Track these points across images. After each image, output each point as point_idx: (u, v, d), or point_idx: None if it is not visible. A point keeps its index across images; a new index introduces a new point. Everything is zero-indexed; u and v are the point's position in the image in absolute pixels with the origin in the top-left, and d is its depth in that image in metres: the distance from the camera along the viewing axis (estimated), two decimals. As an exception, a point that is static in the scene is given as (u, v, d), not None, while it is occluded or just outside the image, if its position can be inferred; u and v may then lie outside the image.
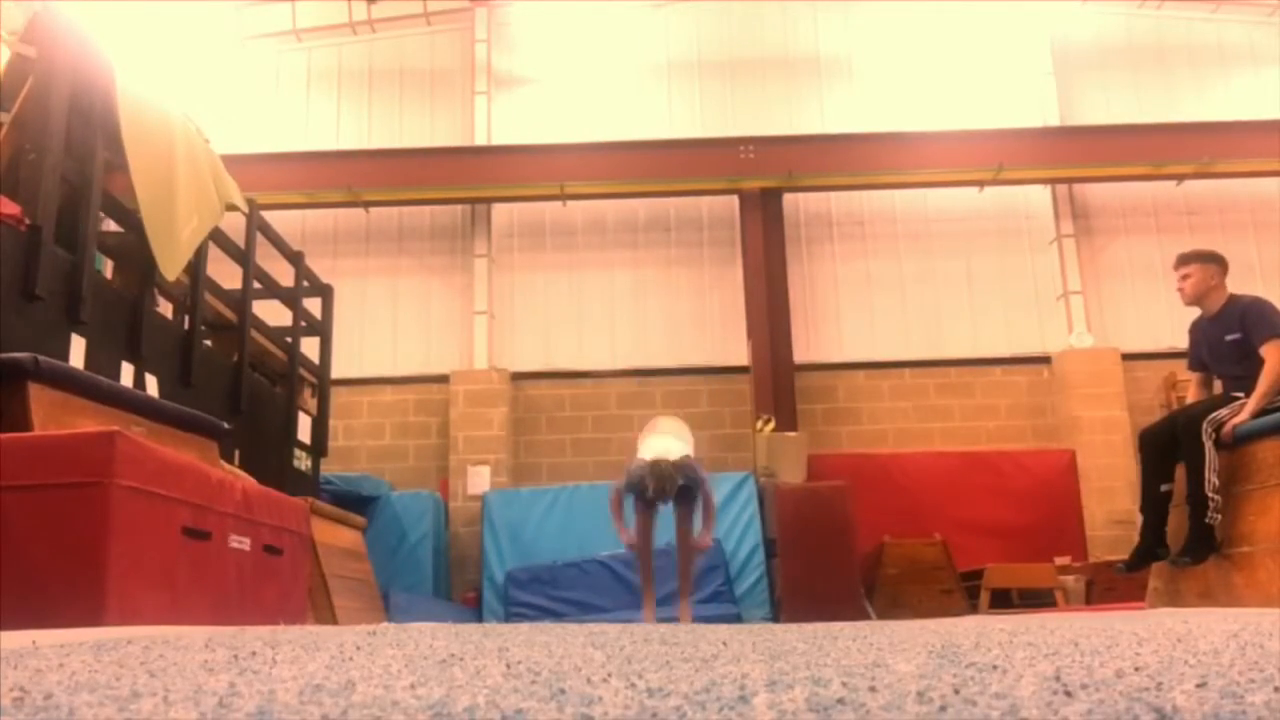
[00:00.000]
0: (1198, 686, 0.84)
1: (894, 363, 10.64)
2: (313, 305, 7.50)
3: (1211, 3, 11.43)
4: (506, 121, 11.42)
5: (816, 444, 9.94)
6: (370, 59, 11.76)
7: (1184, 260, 5.10)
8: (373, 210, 11.05)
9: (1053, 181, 10.88)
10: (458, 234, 11.22)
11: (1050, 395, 10.55)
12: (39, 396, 3.13)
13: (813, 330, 10.72)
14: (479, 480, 10.07)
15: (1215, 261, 5.05)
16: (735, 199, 10.81)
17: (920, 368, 10.63)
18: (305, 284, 7.35)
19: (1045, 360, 10.61)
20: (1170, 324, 10.47)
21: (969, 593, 8.43)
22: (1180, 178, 10.63)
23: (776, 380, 9.96)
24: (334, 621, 4.75)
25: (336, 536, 5.17)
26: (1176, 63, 11.43)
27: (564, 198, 10.79)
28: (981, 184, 10.73)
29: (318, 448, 7.10)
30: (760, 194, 10.57)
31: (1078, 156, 10.72)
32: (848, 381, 10.64)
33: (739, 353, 10.42)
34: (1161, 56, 11.45)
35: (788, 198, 10.82)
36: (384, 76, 11.70)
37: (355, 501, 8.34)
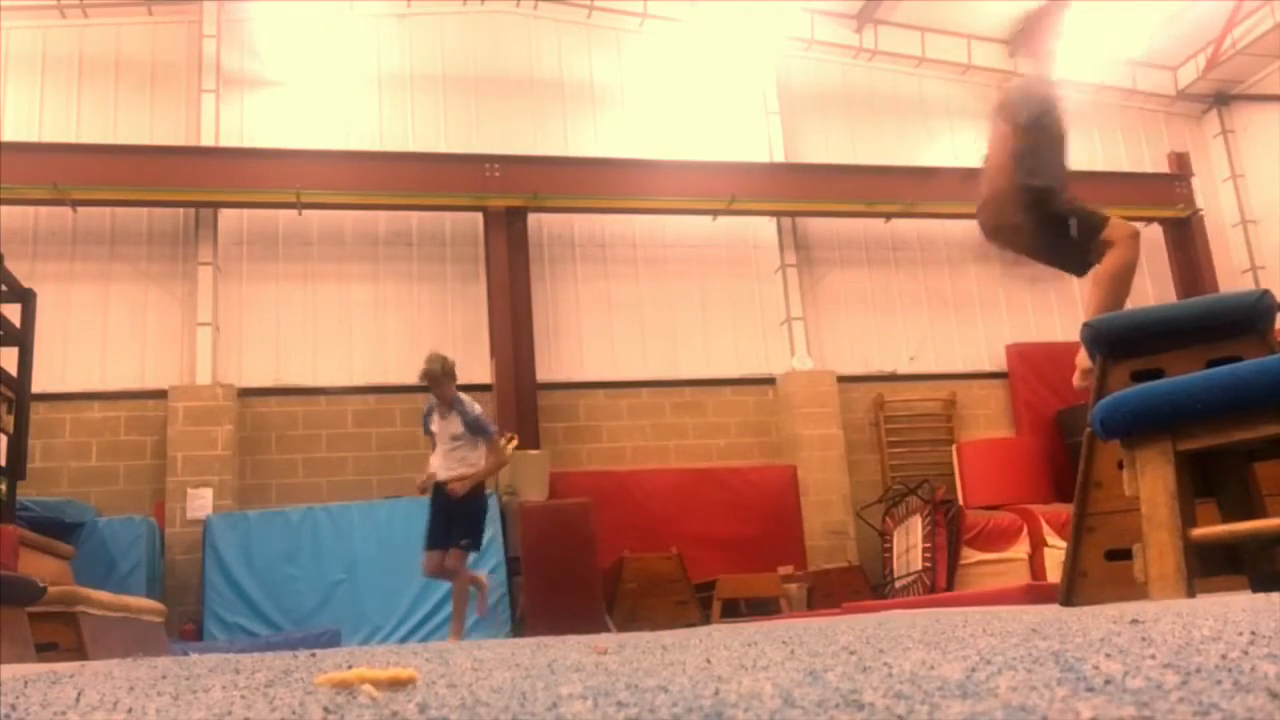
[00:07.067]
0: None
1: (632, 382, 10.97)
2: (10, 312, 6.78)
3: (914, 59, 12.64)
4: (238, 123, 10.82)
5: (558, 462, 10.06)
6: (80, 45, 10.78)
7: None
8: (81, 210, 10.13)
9: (778, 214, 11.62)
10: (179, 240, 10.49)
11: (774, 414, 11.23)
12: None
13: (555, 349, 10.85)
14: (200, 503, 9.42)
15: None
16: (479, 216, 10.77)
17: (657, 387, 11.01)
18: (2, 288, 6.63)
19: (770, 381, 11.29)
20: (879, 349, 11.48)
21: (702, 603, 8.80)
22: (888, 215, 11.67)
23: (519, 399, 10.00)
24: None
25: (40, 567, 4.69)
26: (885, 111, 12.54)
27: (300, 206, 10.34)
28: (715, 213, 11.29)
29: (14, 470, 6.40)
30: (505, 212, 10.60)
31: (799, 192, 11.53)
32: (588, 400, 10.86)
33: (482, 370, 10.37)
34: (873, 104, 12.54)
35: (531, 218, 10.92)
36: (96, 65, 10.76)
37: (57, 528, 7.58)
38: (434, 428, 6.58)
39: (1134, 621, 1.50)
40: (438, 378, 6.47)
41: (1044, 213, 4.03)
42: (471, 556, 6.71)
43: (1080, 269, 4.06)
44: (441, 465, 6.48)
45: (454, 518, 6.38)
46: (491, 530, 9.03)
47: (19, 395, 6.66)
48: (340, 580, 8.75)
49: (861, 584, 9.67)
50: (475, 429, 6.42)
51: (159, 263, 10.40)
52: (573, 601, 7.48)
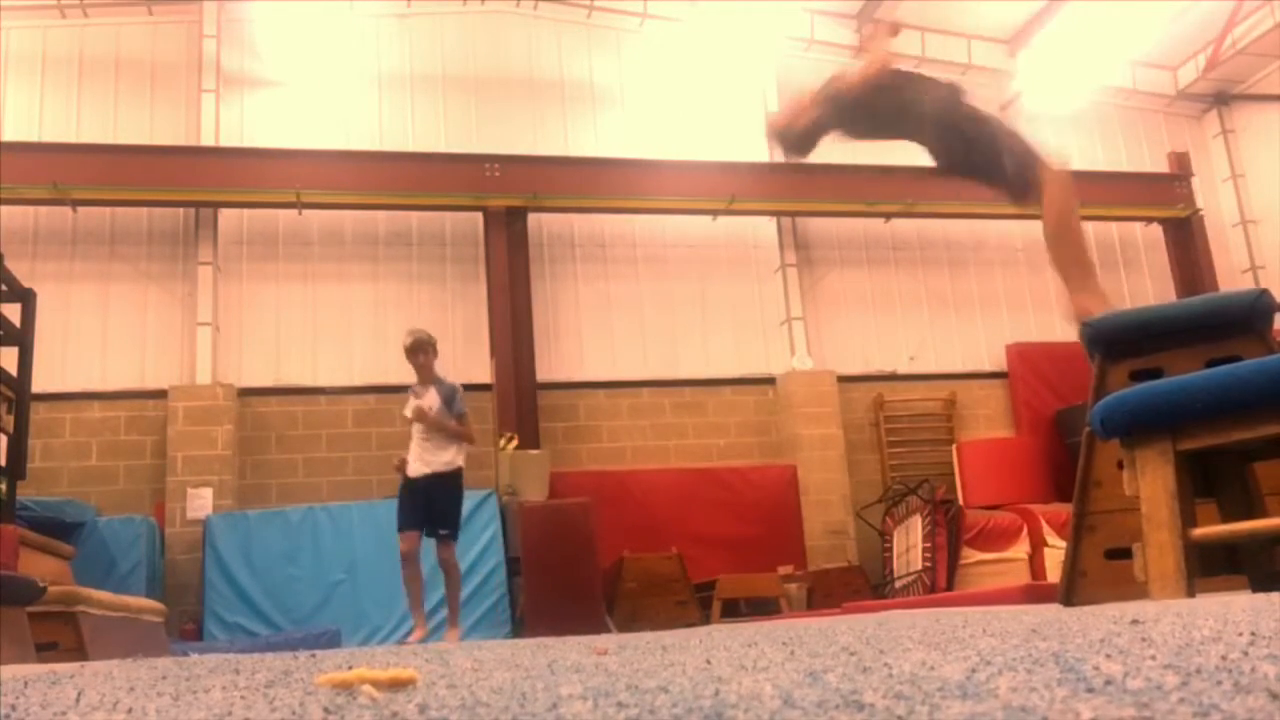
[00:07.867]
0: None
1: (632, 382, 10.97)
2: (10, 312, 6.78)
3: (914, 59, 12.59)
4: (238, 123, 10.82)
5: (558, 462, 10.05)
6: (80, 45, 10.79)
7: None
8: (81, 210, 10.13)
9: (778, 214, 11.62)
10: (179, 239, 10.50)
11: (774, 414, 11.23)
12: None
13: (555, 349, 10.86)
14: (200, 503, 9.42)
15: None
16: (479, 216, 10.77)
17: (657, 387, 11.02)
18: (2, 288, 6.63)
19: (770, 381, 11.29)
20: (879, 349, 11.48)
21: (702, 603, 8.80)
22: (888, 215, 11.66)
23: (519, 398, 10.00)
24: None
25: (40, 567, 4.69)
26: (885, 111, 12.50)
27: (300, 206, 10.34)
28: (715, 213, 11.29)
29: (14, 470, 6.40)
30: (505, 212, 10.60)
31: (799, 192, 11.53)
32: (588, 400, 10.86)
33: (481, 370, 10.38)
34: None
35: (531, 218, 10.92)
36: (96, 65, 10.76)
37: (57, 528, 7.58)
38: (409, 409, 6.49)
39: (1134, 621, 1.50)
40: (424, 344, 6.51)
41: (949, 122, 3.92)
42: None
43: (1020, 196, 3.99)
44: (416, 454, 6.40)
45: (431, 508, 6.30)
46: (491, 530, 9.06)
47: (19, 395, 6.66)
48: (340, 580, 8.76)
49: (861, 584, 9.67)
50: (450, 400, 6.38)
51: (159, 263, 10.40)
52: (573, 602, 7.48)
